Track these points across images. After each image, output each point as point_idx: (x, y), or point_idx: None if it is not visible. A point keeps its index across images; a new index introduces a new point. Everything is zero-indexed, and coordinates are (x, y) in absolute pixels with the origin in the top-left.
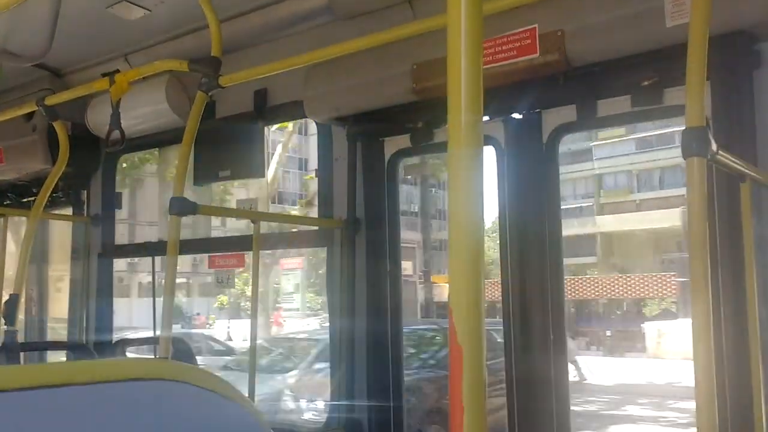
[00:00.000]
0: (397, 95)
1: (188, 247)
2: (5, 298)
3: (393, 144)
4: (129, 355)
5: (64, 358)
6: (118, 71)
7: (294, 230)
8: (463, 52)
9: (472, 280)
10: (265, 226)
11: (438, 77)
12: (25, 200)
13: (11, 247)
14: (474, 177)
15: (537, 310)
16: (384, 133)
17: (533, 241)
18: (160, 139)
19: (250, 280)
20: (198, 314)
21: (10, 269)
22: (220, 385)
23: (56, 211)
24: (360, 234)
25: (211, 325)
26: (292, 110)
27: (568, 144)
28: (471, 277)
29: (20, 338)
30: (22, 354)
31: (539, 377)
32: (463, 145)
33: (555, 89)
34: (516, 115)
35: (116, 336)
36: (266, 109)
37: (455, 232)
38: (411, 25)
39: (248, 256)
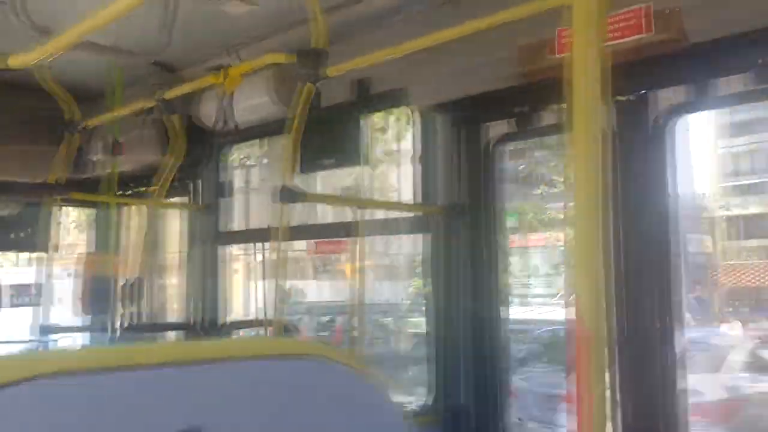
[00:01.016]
0: (501, 79)
1: (295, 233)
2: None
3: (496, 129)
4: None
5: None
6: (227, 65)
7: (395, 217)
8: (587, 32)
9: (596, 267)
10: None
11: (544, 59)
12: (142, 189)
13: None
14: (596, 162)
15: (646, 300)
16: (486, 118)
17: (641, 229)
18: (265, 130)
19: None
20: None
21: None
22: (360, 365)
23: (170, 200)
24: (460, 221)
25: None
26: (393, 98)
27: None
28: (593, 264)
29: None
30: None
31: (647, 368)
32: (585, 129)
33: (667, 69)
34: (624, 97)
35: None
36: (368, 97)
37: (578, 218)
38: (519, 8)
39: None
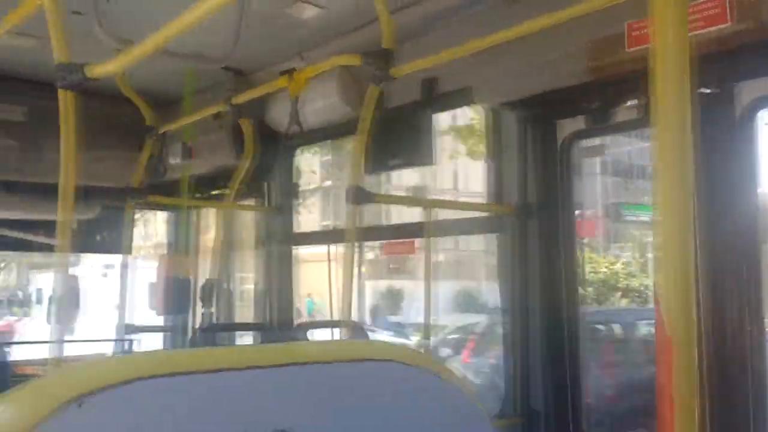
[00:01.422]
0: (571, 76)
1: (364, 234)
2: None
3: (566, 127)
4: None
5: (251, 339)
6: (294, 69)
7: (465, 217)
8: (670, 22)
9: (681, 267)
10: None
11: (616, 54)
12: (214, 192)
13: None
14: (682, 159)
15: (734, 303)
16: (556, 116)
17: (727, 229)
18: (334, 132)
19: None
20: None
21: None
22: (442, 369)
23: (243, 202)
24: (532, 220)
25: None
26: (460, 97)
27: None
28: (680, 263)
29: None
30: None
31: (735, 369)
32: (670, 125)
33: (753, 59)
34: (708, 90)
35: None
36: (435, 97)
37: (663, 217)
38: (589, 3)
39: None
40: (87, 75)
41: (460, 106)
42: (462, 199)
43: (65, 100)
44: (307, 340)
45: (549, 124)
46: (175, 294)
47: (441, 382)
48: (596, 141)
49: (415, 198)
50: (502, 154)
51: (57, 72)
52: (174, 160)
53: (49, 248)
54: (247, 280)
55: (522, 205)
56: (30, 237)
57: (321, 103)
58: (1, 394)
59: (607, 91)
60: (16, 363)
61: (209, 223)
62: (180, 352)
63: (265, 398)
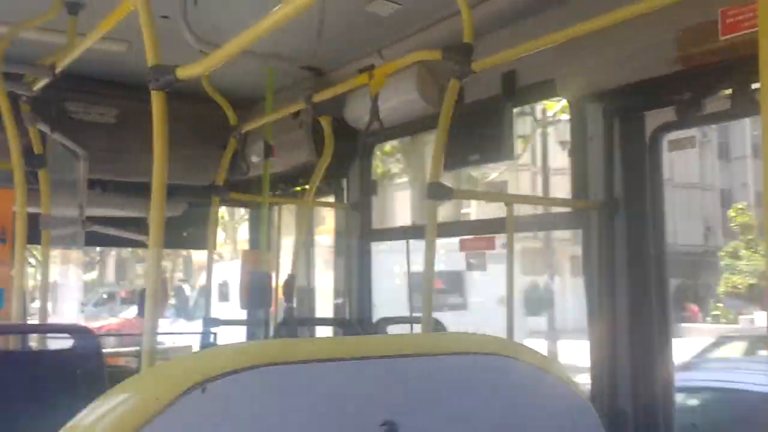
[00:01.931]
0: (659, 66)
1: (443, 229)
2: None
3: (655, 118)
4: (389, 332)
5: (331, 334)
6: (373, 66)
7: (547, 212)
8: None
9: None
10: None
11: (708, 42)
12: (292, 190)
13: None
14: None
15: None
16: (644, 107)
17: None
18: (411, 128)
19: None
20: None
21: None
22: (549, 363)
23: (319, 199)
24: (619, 216)
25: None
26: (541, 90)
27: None
28: None
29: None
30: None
31: None
32: None
33: None
34: None
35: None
36: (515, 90)
37: None
38: None
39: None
40: (177, 76)
41: (541, 99)
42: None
43: (158, 101)
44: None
45: (636, 116)
46: (257, 288)
47: (546, 375)
48: (687, 133)
49: (495, 193)
50: (586, 147)
51: (149, 74)
52: (256, 159)
53: (138, 244)
54: (326, 276)
55: (608, 200)
56: (121, 233)
57: (399, 100)
58: (126, 380)
59: (698, 81)
60: (107, 354)
61: (289, 219)
62: (294, 341)
63: (372, 389)
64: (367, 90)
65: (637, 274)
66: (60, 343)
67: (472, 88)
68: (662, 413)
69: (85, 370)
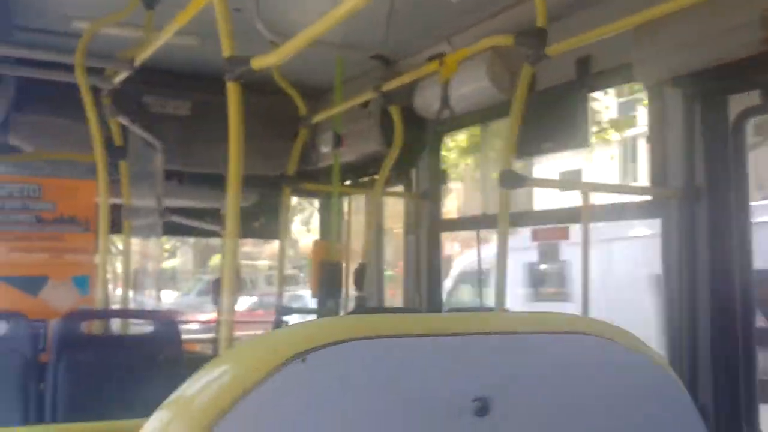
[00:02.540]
0: (743, 47)
1: (515, 219)
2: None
3: (738, 102)
4: None
5: None
6: (443, 54)
7: (623, 201)
8: None
9: None
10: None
11: None
12: (361, 180)
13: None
14: None
15: None
16: (727, 91)
17: None
18: (481, 116)
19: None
20: None
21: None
22: (642, 345)
23: (388, 189)
24: (700, 204)
25: None
26: (617, 75)
27: None
28: None
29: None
30: None
31: None
32: None
33: None
34: None
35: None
36: (590, 75)
37: None
38: None
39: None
40: (252, 67)
41: (618, 84)
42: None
43: (233, 93)
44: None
45: (719, 100)
46: (327, 278)
47: (640, 357)
48: None
49: (570, 181)
50: (665, 133)
51: (225, 65)
52: (325, 149)
53: (212, 234)
54: (395, 265)
55: (688, 188)
56: (196, 223)
57: (469, 87)
58: (226, 351)
59: None
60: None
61: (359, 208)
62: (390, 317)
63: (465, 365)
64: (436, 78)
65: (721, 264)
66: (139, 329)
67: (544, 73)
68: (745, 410)
69: (165, 354)
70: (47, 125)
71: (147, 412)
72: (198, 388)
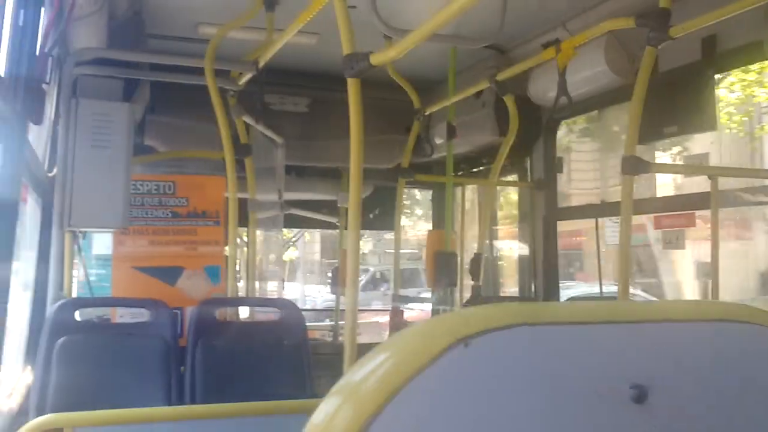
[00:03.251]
0: None
1: (638, 206)
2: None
3: None
4: None
5: None
6: (558, 40)
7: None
8: None
9: None
10: None
11: None
12: (475, 170)
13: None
14: None
15: None
16: None
17: None
18: (598, 101)
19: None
20: None
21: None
22: None
23: (503, 178)
24: None
25: None
26: (747, 54)
27: None
28: None
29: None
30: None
31: None
32: None
33: None
34: None
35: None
36: (716, 55)
37: None
38: None
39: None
40: (371, 63)
41: (747, 63)
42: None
43: (353, 88)
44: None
45: None
46: (443, 268)
47: None
48: None
49: (698, 166)
50: None
51: (345, 62)
52: (439, 140)
53: (329, 225)
54: (508, 255)
55: None
56: (315, 215)
57: (586, 73)
58: (389, 339)
59: None
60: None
61: (472, 198)
62: (546, 305)
63: (620, 353)
64: (550, 65)
65: None
66: (265, 315)
67: (667, 55)
68: None
69: (290, 340)
70: (177, 126)
71: (277, 392)
72: (364, 374)
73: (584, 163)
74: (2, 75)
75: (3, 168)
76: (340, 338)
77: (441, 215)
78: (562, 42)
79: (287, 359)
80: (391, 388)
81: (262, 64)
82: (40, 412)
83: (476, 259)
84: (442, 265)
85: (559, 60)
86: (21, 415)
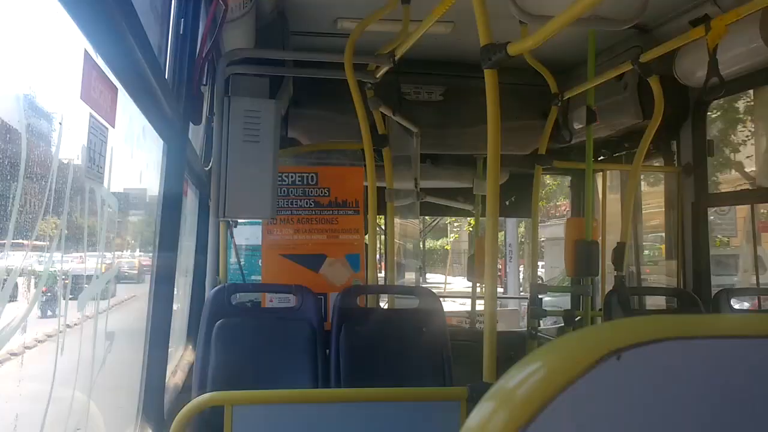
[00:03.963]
0: None
1: None
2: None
3: None
4: (734, 305)
5: (664, 304)
6: (707, 17)
7: None
8: None
9: None
10: None
11: None
12: (615, 155)
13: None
14: None
15: None
16: None
17: None
18: (751, 80)
19: None
20: None
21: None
22: None
23: (646, 163)
24: None
25: None
26: None
27: None
28: None
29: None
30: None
31: None
32: None
33: None
34: None
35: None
36: None
37: None
38: None
39: None
40: (509, 53)
41: None
42: None
43: (490, 79)
44: (731, 308)
45: None
46: (583, 256)
47: None
48: None
49: None
50: None
51: (482, 53)
52: (578, 125)
53: (464, 212)
54: (653, 244)
55: None
56: (450, 203)
57: (738, 51)
58: (543, 346)
59: None
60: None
61: (613, 185)
62: (701, 317)
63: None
64: (698, 43)
65: None
66: (405, 302)
67: None
68: None
69: (429, 327)
70: (318, 119)
71: (417, 376)
72: (518, 381)
73: (736, 146)
74: (167, 80)
75: (168, 166)
76: (477, 325)
77: (580, 203)
78: (713, 19)
79: (426, 346)
80: (545, 396)
81: (398, 56)
82: (202, 389)
83: (619, 249)
84: (582, 254)
85: (710, 38)
86: (184, 391)
